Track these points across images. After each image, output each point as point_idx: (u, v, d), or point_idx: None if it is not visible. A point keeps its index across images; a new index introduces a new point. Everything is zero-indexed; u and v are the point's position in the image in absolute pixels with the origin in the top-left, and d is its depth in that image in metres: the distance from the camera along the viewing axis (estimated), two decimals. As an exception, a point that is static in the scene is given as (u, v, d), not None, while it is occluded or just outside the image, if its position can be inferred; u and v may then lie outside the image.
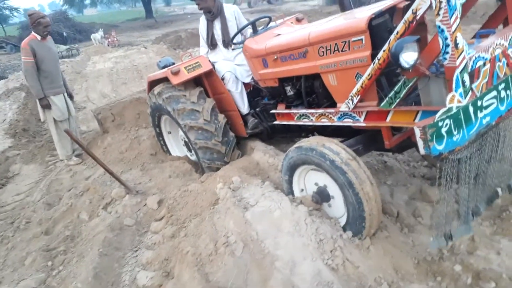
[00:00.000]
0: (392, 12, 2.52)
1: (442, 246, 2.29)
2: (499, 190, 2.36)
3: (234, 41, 3.96)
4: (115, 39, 22.62)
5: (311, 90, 3.16)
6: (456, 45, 1.75)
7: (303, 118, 3.11)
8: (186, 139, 4.01)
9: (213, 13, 4.07)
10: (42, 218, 3.87)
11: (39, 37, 4.94)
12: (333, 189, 2.46)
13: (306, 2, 34.44)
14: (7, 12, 44.79)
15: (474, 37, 2.47)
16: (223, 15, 4.10)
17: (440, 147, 1.76)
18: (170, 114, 3.92)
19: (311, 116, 2.99)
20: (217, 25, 4.13)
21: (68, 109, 5.31)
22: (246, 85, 4.08)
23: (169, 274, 2.65)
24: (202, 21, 4.26)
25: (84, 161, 5.24)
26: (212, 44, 4.21)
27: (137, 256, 3.01)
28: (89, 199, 3.96)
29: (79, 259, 3.02)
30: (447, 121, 1.76)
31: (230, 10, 4.18)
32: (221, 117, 3.86)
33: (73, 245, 3.31)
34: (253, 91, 4.11)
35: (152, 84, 4.25)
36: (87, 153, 3.91)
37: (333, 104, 2.90)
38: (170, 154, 4.71)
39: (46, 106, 5.05)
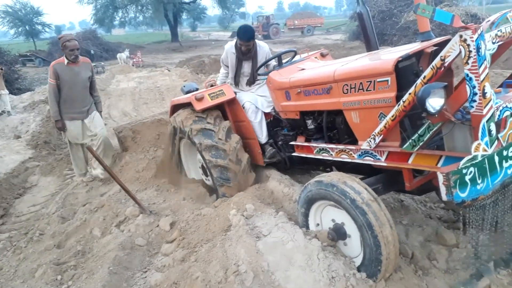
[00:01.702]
0: (419, 56, 2.56)
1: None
2: None
3: (259, 72, 4.04)
4: (140, 59, 23.26)
5: (332, 126, 3.19)
6: (484, 94, 1.77)
7: (323, 153, 3.12)
8: (202, 160, 4.06)
9: (249, 56, 4.12)
10: (55, 231, 3.90)
11: (66, 61, 4.87)
12: (351, 228, 2.44)
13: (329, 35, 35.09)
14: (39, 27, 46.74)
15: (501, 86, 2.49)
16: (256, 57, 4.15)
17: (463, 195, 1.75)
18: (188, 136, 3.99)
19: (331, 151, 3.00)
20: (246, 64, 4.19)
21: (83, 134, 5.23)
22: (266, 115, 4.14)
23: (177, 299, 2.62)
24: (229, 54, 4.24)
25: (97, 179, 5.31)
26: (238, 82, 4.29)
27: (146, 277, 2.99)
28: (103, 216, 3.98)
29: (88, 275, 3.02)
30: (471, 169, 1.76)
31: (263, 51, 4.20)
32: (236, 137, 3.91)
33: (83, 261, 3.31)
34: (273, 121, 4.16)
35: (175, 108, 4.35)
36: (105, 169, 3.95)
37: (353, 141, 2.92)
38: (186, 176, 4.75)
39: (60, 129, 5.12)
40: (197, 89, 4.41)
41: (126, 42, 39.06)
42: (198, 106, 3.89)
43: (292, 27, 40.84)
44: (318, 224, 2.76)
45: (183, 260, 3.00)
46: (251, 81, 4.20)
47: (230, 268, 2.54)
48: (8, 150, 6.92)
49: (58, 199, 4.84)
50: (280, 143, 4.00)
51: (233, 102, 4.12)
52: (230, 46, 4.26)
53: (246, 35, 3.99)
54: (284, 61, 4.12)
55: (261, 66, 4.01)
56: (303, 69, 3.63)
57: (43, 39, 45.55)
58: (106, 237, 3.58)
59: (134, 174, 5.03)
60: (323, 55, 4.29)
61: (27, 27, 44.97)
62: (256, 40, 4.16)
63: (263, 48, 4.22)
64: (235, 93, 4.18)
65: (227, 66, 4.37)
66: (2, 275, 3.34)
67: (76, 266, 3.25)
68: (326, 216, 2.68)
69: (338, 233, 2.53)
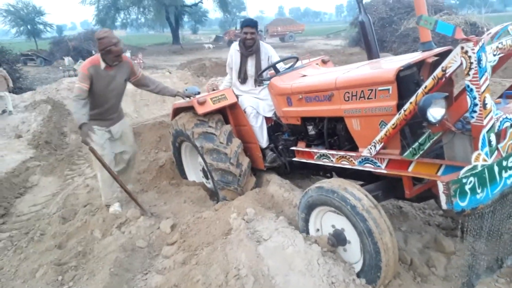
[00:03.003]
0: (420, 65, 2.60)
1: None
2: None
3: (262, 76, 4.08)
4: (141, 61, 23.28)
5: (333, 132, 3.22)
6: (484, 105, 1.81)
7: (323, 158, 3.15)
8: (203, 163, 4.09)
9: (252, 50, 4.19)
10: (56, 231, 3.92)
11: (103, 64, 3.92)
12: (351, 234, 2.47)
13: (329, 41, 35.21)
14: (41, 27, 46.77)
15: (500, 96, 2.53)
16: (258, 53, 4.22)
17: (463, 204, 1.79)
18: (189, 139, 4.03)
19: (332, 157, 3.04)
20: (250, 61, 4.24)
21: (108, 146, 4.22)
22: (267, 119, 4.17)
23: (177, 302, 2.64)
24: (234, 53, 4.32)
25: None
26: (243, 78, 4.33)
27: (146, 279, 3.00)
28: (103, 217, 4.00)
29: (89, 276, 3.04)
30: (471, 178, 1.79)
31: (266, 50, 4.28)
32: (237, 141, 3.96)
33: (84, 262, 3.33)
34: (274, 126, 4.20)
35: (177, 111, 4.39)
36: (107, 170, 3.89)
37: (353, 148, 2.95)
38: (186, 179, 4.78)
39: (85, 139, 3.66)
40: (199, 93, 4.45)
41: (127, 44, 39.10)
42: (200, 110, 3.93)
43: (275, 33, 41.20)
44: (318, 230, 2.79)
45: (183, 263, 3.02)
46: (258, 81, 4.21)
47: (230, 272, 2.56)
48: (9, 150, 6.95)
49: (59, 200, 4.86)
50: (280, 147, 4.03)
51: (234, 106, 4.17)
52: (234, 46, 4.34)
53: (251, 21, 4.17)
54: (287, 66, 4.17)
55: (264, 70, 4.05)
56: (305, 75, 3.67)
57: (45, 38, 45.58)
58: (107, 238, 3.60)
59: (134, 176, 5.05)
60: (324, 62, 4.33)
61: (28, 26, 45.02)
62: (260, 41, 4.22)
63: (266, 48, 4.29)
64: (237, 97, 4.22)
65: (232, 69, 4.42)
66: (3, 275, 3.36)
67: (77, 266, 3.27)
68: (326, 221, 2.71)
69: (338, 239, 2.56)
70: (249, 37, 4.11)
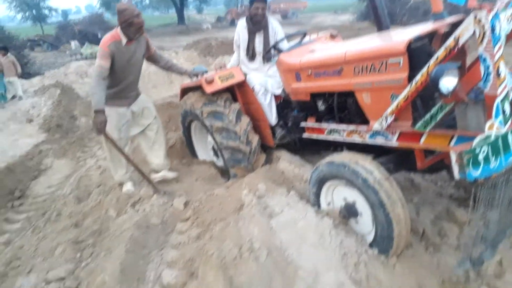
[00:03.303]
0: (432, 36, 2.56)
1: (468, 269, 2.29)
2: None
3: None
4: (147, 43, 23.08)
5: (343, 107, 3.20)
6: (498, 74, 1.79)
7: (333, 134, 3.15)
8: (213, 141, 4.12)
9: (260, 25, 4.15)
10: (72, 211, 4.01)
11: (124, 40, 3.78)
12: (362, 207, 2.49)
13: (336, 16, 34.57)
14: (46, 12, 46.59)
15: (514, 65, 2.48)
16: (266, 29, 4.17)
17: (476, 173, 1.79)
18: (198, 119, 4.04)
19: (342, 132, 3.03)
20: (258, 37, 4.21)
21: (129, 126, 4.21)
22: (276, 96, 4.16)
23: (193, 274, 2.70)
24: (242, 30, 4.28)
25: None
26: (251, 56, 4.30)
27: (162, 254, 3.08)
28: (117, 197, 4.07)
29: (106, 253, 3.12)
30: (484, 147, 1.78)
31: (273, 26, 4.24)
32: (246, 119, 3.96)
33: (101, 239, 3.41)
34: (284, 103, 4.19)
35: (185, 91, 4.39)
36: (118, 151, 3.93)
37: (364, 122, 2.94)
38: (197, 158, 4.83)
39: (100, 126, 3.69)
40: (206, 72, 4.44)
41: (132, 26, 38.76)
42: (209, 89, 3.93)
43: (277, 10, 40.41)
44: (329, 203, 2.81)
45: (198, 238, 3.08)
46: (267, 58, 4.17)
47: (244, 245, 2.61)
48: (22, 134, 7.05)
49: (72, 181, 4.95)
50: (290, 124, 4.03)
51: (242, 84, 4.15)
52: (241, 23, 4.30)
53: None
54: (293, 43, 4.13)
55: (272, 46, 4.01)
56: (313, 50, 3.63)
57: (50, 23, 45.46)
58: (122, 216, 3.67)
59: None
60: (333, 36, 4.26)
61: (34, 11, 44.86)
62: (268, 16, 4.18)
63: (273, 24, 4.25)
64: (245, 75, 4.20)
65: (239, 47, 4.38)
66: (23, 253, 3.46)
67: (94, 244, 3.36)
68: (337, 195, 2.73)
69: (349, 211, 2.58)
70: (260, 12, 4.06)
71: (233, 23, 33.51)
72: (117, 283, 2.69)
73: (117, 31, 3.79)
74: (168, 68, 4.45)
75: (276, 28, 4.24)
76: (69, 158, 5.95)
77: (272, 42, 4.14)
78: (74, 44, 21.87)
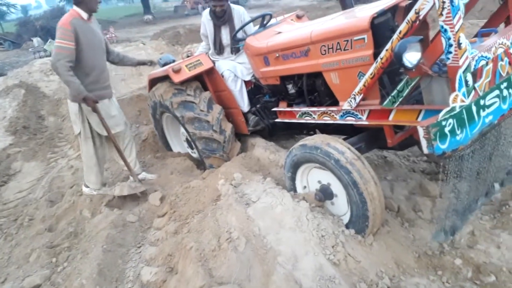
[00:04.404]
0: (394, 11, 2.54)
1: (442, 240, 2.34)
2: (496, 185, 2.41)
3: (237, 36, 3.96)
4: (113, 35, 22.46)
5: (313, 88, 3.18)
6: (459, 45, 1.78)
7: (305, 116, 3.13)
8: (186, 133, 4.04)
9: (224, 19, 4.05)
10: (45, 215, 3.89)
11: (85, 15, 3.48)
12: (337, 188, 2.49)
13: (304, -3, 34.36)
14: (4, 8, 44.50)
15: (476, 36, 2.50)
16: (231, 20, 4.07)
17: (443, 146, 1.79)
18: (169, 110, 3.95)
19: (313, 114, 3.01)
20: (224, 30, 4.10)
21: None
22: (247, 83, 4.10)
23: (173, 270, 2.67)
24: (207, 23, 4.17)
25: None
26: (219, 49, 4.20)
27: (140, 252, 3.03)
28: (90, 197, 3.97)
29: (83, 255, 3.04)
30: (450, 120, 1.79)
31: (238, 14, 4.12)
32: (218, 108, 3.89)
33: (76, 242, 3.33)
34: (254, 89, 4.13)
35: (153, 82, 4.27)
36: (109, 136, 3.74)
37: (335, 102, 2.93)
38: (171, 150, 4.74)
39: (93, 107, 3.51)
40: (174, 61, 4.32)
41: (97, 18, 37.66)
42: (177, 78, 3.82)
43: None
44: (305, 187, 2.81)
45: (175, 233, 3.04)
46: (235, 49, 4.09)
47: (222, 236, 2.59)
48: (-14, 139, 6.74)
49: (44, 183, 4.79)
50: (262, 110, 3.99)
51: (211, 72, 4.06)
52: (205, 15, 4.18)
53: None
54: (258, 26, 4.05)
55: (237, 31, 3.93)
56: (280, 32, 3.57)
57: (10, 20, 43.56)
58: (97, 216, 3.58)
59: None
60: (299, 17, 4.21)
61: (-10, 9, 42.84)
62: (230, 3, 4.07)
63: (238, 11, 4.14)
64: (213, 62, 4.11)
65: (207, 37, 4.28)
66: (-4, 263, 3.35)
67: (70, 247, 3.28)
68: (312, 178, 2.73)
69: (325, 194, 2.58)
70: (219, 9, 3.97)
71: (196, 11, 31.80)
72: (95, 285, 2.64)
73: (73, 8, 3.49)
74: (120, 60, 4.23)
75: (242, 15, 4.13)
76: (39, 160, 5.75)
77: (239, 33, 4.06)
78: (36, 40, 21.04)
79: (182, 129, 4.21)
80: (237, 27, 4.04)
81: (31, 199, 4.49)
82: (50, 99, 9.09)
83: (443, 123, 1.78)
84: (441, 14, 1.79)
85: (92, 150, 3.84)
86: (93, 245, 3.10)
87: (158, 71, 4.19)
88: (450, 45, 1.81)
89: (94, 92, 3.57)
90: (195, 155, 4.42)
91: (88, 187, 3.99)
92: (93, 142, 3.82)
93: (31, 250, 3.36)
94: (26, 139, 6.62)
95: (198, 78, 4.06)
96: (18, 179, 5.21)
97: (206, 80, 4.11)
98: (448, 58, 1.85)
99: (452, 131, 1.81)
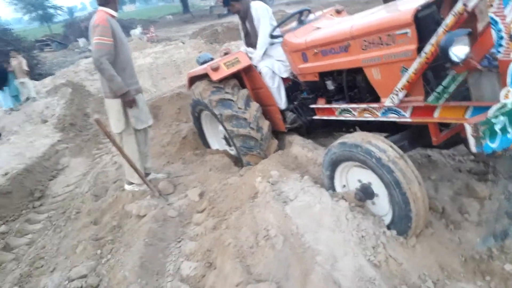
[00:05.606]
0: (440, 3, 2.43)
1: (491, 245, 2.22)
2: None
3: (274, 33, 3.94)
4: (154, 34, 23.10)
5: (353, 85, 3.11)
6: (511, 37, 1.68)
7: (345, 113, 3.07)
8: (224, 130, 4.08)
9: (242, 15, 4.13)
10: (90, 208, 4.07)
11: (115, 14, 3.68)
12: (378, 187, 2.43)
13: (343, -9, 33.70)
14: (51, 10, 46.87)
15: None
16: (250, 17, 4.09)
17: (493, 145, 1.70)
18: (207, 108, 4.00)
19: (353, 111, 2.95)
20: (248, 26, 4.16)
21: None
22: (285, 80, 4.08)
23: (211, 265, 2.71)
24: (239, 20, 4.31)
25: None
26: (249, 44, 4.23)
27: (180, 246, 3.10)
28: (133, 192, 4.10)
29: (126, 248, 3.15)
30: (501, 117, 1.69)
31: (256, 12, 4.08)
32: (255, 105, 3.90)
33: (120, 235, 3.46)
34: (292, 86, 4.10)
35: (193, 79, 4.34)
36: (114, 145, 3.69)
37: (376, 99, 2.85)
38: (209, 147, 4.81)
39: (132, 103, 3.68)
40: (212, 59, 4.38)
41: (138, 18, 38.76)
42: (215, 76, 3.87)
43: None
44: (344, 186, 2.76)
45: (214, 228, 3.08)
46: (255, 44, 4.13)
47: (260, 233, 2.59)
48: (38, 135, 7.16)
49: (89, 178, 5.01)
50: (300, 107, 3.95)
51: (249, 69, 4.07)
52: None
53: (223, 1, 4.16)
54: (295, 22, 4.01)
55: (274, 28, 3.91)
56: (319, 28, 3.52)
57: (57, 22, 45.80)
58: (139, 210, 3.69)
59: (159, 149, 5.13)
60: (338, 12, 4.14)
61: (39, 11, 45.16)
62: (251, 2, 4.10)
63: (256, 8, 4.08)
64: (251, 59, 4.12)
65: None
66: (46, 253, 3.54)
67: (114, 240, 3.40)
68: (352, 177, 2.67)
69: (365, 193, 2.52)
70: (234, 10, 4.15)
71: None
72: (137, 277, 2.72)
73: (102, 9, 3.59)
74: None
75: (259, 13, 4.04)
76: (85, 155, 6.03)
77: (257, 30, 4.05)
78: (82, 41, 22.02)
79: (221, 127, 4.26)
80: (255, 23, 4.06)
81: (78, 193, 4.71)
82: (94, 97, 9.51)
83: (493, 120, 1.69)
84: (491, 5, 1.69)
85: (136, 145, 3.91)
86: (136, 238, 3.20)
87: (197, 69, 4.26)
88: (501, 38, 1.71)
89: (130, 86, 3.69)
90: (233, 152, 4.46)
91: (132, 183, 4.05)
92: (135, 138, 3.90)
93: (78, 242, 3.52)
94: (73, 135, 6.97)
95: (236, 75, 4.09)
96: (66, 174, 5.49)
97: (244, 77, 4.14)
98: (499, 52, 1.75)
99: (503, 129, 1.72)
